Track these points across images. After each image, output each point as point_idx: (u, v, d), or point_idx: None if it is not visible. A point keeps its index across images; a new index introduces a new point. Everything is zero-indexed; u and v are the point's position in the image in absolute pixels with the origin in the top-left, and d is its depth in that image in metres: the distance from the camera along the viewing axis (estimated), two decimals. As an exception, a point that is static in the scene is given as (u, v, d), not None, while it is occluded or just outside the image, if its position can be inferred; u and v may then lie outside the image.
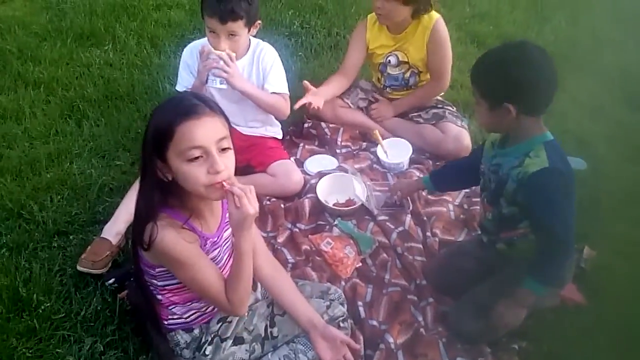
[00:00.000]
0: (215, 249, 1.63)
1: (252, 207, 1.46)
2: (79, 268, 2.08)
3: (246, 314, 1.72)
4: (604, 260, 2.22)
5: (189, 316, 1.69)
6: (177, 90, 2.52)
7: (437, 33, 2.67)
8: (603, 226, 2.37)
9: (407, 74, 2.81)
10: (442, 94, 2.93)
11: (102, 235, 2.18)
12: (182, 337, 1.70)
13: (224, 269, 1.67)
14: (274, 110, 2.57)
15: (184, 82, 2.49)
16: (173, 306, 1.67)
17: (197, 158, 1.42)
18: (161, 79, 3.21)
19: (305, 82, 2.67)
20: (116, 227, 2.19)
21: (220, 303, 1.58)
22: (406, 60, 2.77)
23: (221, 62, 2.30)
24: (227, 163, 1.46)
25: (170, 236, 1.47)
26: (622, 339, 1.94)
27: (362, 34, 2.81)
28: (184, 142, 1.40)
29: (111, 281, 2.04)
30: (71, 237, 2.26)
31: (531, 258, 1.75)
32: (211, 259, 1.60)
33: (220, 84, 2.37)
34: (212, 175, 1.43)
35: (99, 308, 1.97)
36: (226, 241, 1.68)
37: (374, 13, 2.72)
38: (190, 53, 2.49)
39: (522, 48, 1.67)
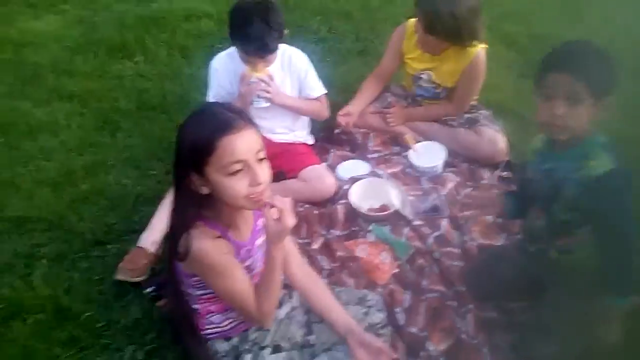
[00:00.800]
0: (250, 257, 1.63)
1: (291, 219, 1.47)
2: (117, 277, 2.10)
3: (281, 321, 1.71)
4: None
5: (226, 324, 1.69)
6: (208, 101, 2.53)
7: (475, 67, 2.61)
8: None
9: (438, 90, 2.77)
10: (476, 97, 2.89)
11: (138, 245, 2.20)
12: (221, 346, 1.70)
13: (257, 277, 1.66)
14: (314, 115, 2.69)
15: (216, 92, 2.51)
16: (210, 315, 1.67)
17: (238, 171, 1.43)
18: (192, 89, 3.24)
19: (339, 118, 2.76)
20: (152, 236, 2.21)
21: (249, 313, 1.58)
22: (438, 82, 2.73)
23: (263, 85, 2.38)
24: (265, 173, 1.47)
25: (206, 245, 1.48)
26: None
27: (399, 41, 2.77)
28: (225, 157, 1.41)
29: (149, 290, 2.05)
30: (109, 246, 2.29)
31: (605, 270, 1.67)
32: (245, 267, 1.60)
33: (265, 103, 2.45)
34: (253, 187, 1.44)
35: (138, 317, 1.99)
36: (259, 249, 1.67)
37: (412, 20, 2.67)
38: (222, 62, 2.51)
39: (590, 42, 1.62)
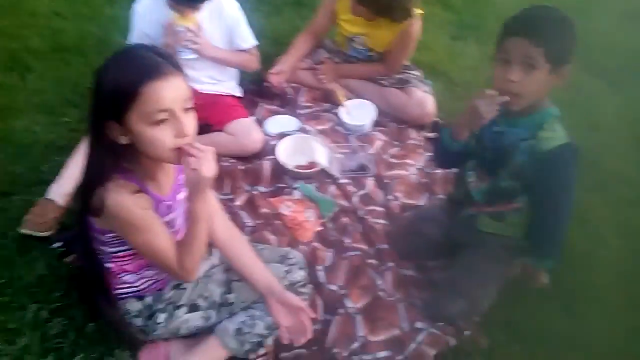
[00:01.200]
0: (170, 212, 1.55)
1: (209, 169, 1.38)
2: (21, 230, 1.96)
3: (199, 279, 1.66)
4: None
5: (141, 284, 1.61)
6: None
7: (409, 34, 2.57)
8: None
9: (372, 53, 2.73)
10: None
11: (47, 196, 2.05)
12: (133, 306, 1.62)
13: (179, 233, 1.59)
14: (244, 67, 2.59)
15: (137, 37, 2.35)
16: (124, 274, 1.58)
17: (162, 121, 1.32)
18: (113, 30, 3.02)
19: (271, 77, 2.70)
20: (63, 188, 2.06)
21: (171, 269, 1.51)
22: (371, 47, 2.68)
23: (190, 34, 2.25)
24: (192, 125, 1.38)
25: (123, 200, 1.37)
26: (579, 299, 1.99)
27: (333, 1, 2.68)
28: (150, 104, 1.29)
29: (57, 245, 1.94)
30: (14, 197, 2.12)
31: (532, 237, 1.73)
32: (166, 222, 1.52)
33: (192, 54, 2.32)
34: (178, 139, 1.34)
35: (43, 273, 1.87)
36: (181, 204, 1.59)
37: None
38: (145, 5, 2.34)
39: (556, 8, 1.56)
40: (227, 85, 2.60)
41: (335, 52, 2.88)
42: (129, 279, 1.59)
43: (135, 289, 1.61)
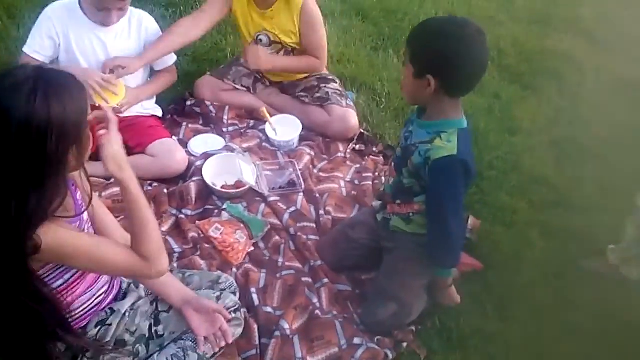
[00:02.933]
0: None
1: (113, 135, 1.33)
2: None
3: (126, 313, 1.57)
4: (487, 228, 2.31)
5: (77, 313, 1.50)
6: (24, 52, 2.25)
7: (307, 13, 2.53)
8: (484, 196, 2.47)
9: (281, 53, 2.67)
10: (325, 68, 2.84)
11: None
12: (56, 346, 1.51)
13: None
14: (166, 88, 2.58)
15: (38, 46, 2.25)
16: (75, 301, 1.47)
17: None
18: (21, 53, 2.86)
19: None
20: None
21: (135, 267, 1.38)
22: (278, 40, 2.62)
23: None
24: None
25: (59, 233, 1.27)
26: (509, 301, 2.04)
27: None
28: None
29: None
30: None
31: (427, 247, 1.79)
32: None
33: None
34: None
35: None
36: (87, 222, 1.48)
37: None
38: (57, 13, 2.24)
39: (464, 26, 1.58)
40: (146, 105, 2.52)
41: (248, 74, 2.80)
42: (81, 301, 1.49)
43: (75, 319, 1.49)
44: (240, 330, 1.71)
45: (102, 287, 1.54)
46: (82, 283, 1.46)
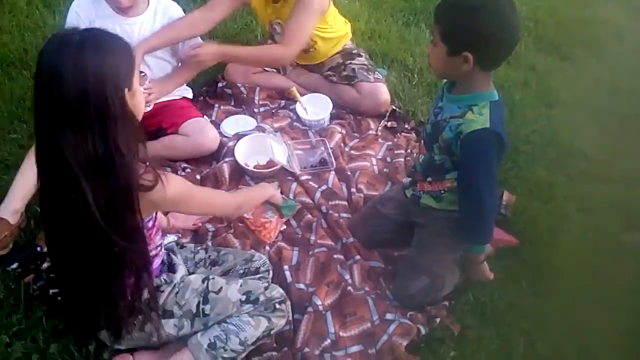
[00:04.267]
0: None
1: None
2: None
3: (177, 286, 1.61)
4: (523, 204, 2.27)
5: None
6: None
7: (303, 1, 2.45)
8: (520, 170, 2.42)
9: None
10: (351, 39, 2.81)
11: None
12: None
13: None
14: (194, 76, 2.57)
15: None
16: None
17: None
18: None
19: None
20: (13, 205, 1.98)
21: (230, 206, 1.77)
22: None
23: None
24: None
25: (176, 182, 1.44)
26: (545, 277, 2.01)
27: None
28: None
29: (14, 266, 1.87)
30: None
31: (460, 221, 1.76)
32: None
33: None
34: None
35: (1, 297, 1.80)
36: None
37: None
38: (83, 5, 2.27)
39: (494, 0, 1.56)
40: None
41: None
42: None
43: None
44: (283, 321, 1.68)
45: (155, 247, 1.57)
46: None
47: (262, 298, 1.63)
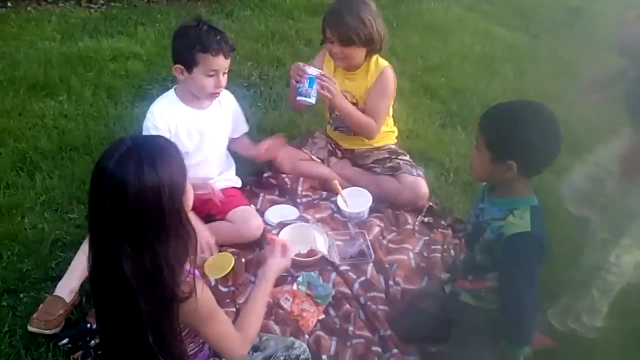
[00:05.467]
0: None
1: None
2: (30, 329, 1.98)
3: None
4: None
5: None
6: None
7: (382, 79, 2.73)
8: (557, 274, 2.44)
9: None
10: (395, 141, 2.99)
11: (55, 293, 2.09)
12: None
13: None
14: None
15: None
16: None
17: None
18: (118, 129, 3.18)
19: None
20: (70, 285, 2.11)
21: (234, 349, 1.57)
22: (355, 101, 2.80)
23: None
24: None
25: (206, 290, 1.45)
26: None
27: (320, 62, 2.84)
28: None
29: (65, 341, 1.96)
30: (21, 295, 2.16)
31: (501, 322, 1.78)
32: None
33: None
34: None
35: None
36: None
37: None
38: (162, 107, 2.44)
39: (539, 111, 1.67)
40: (228, 176, 2.71)
41: (327, 141, 3.02)
42: None
43: None
44: None
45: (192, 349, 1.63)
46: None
47: None
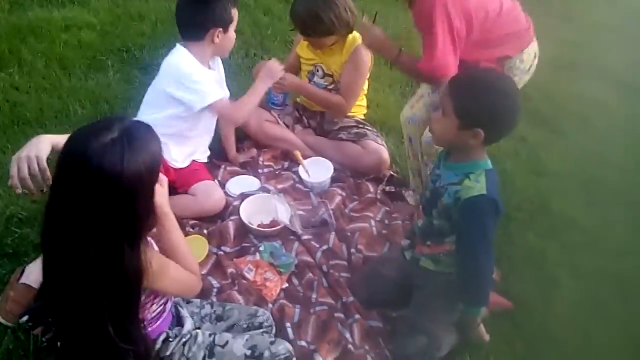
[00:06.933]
0: None
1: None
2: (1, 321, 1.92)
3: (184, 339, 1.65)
4: (515, 269, 2.35)
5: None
6: (217, 100, 2.43)
7: (354, 56, 2.75)
8: (512, 237, 2.52)
9: (330, 86, 2.90)
10: (363, 116, 3.03)
11: (25, 282, 1.97)
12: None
13: None
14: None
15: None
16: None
17: None
18: (72, 102, 3.08)
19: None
20: (36, 275, 1.97)
21: (195, 283, 1.60)
22: (330, 73, 2.85)
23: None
24: None
25: (153, 255, 1.43)
26: (539, 340, 2.08)
27: (296, 45, 2.94)
28: None
29: (24, 319, 1.90)
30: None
31: (458, 284, 1.83)
32: None
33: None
34: None
35: (10, 347, 1.84)
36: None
37: None
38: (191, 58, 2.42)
39: (505, 80, 1.72)
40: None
41: (300, 108, 3.06)
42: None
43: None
44: None
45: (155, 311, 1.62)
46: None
47: (266, 354, 1.67)
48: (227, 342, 1.67)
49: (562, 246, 2.53)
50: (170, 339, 1.63)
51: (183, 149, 2.56)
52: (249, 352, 1.66)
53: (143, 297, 1.46)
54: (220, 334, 1.71)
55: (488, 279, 1.82)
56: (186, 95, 2.37)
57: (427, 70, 2.25)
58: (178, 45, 2.44)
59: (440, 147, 1.90)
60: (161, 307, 1.62)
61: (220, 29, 2.38)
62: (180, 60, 2.40)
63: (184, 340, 1.65)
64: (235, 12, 2.42)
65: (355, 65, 2.77)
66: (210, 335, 1.69)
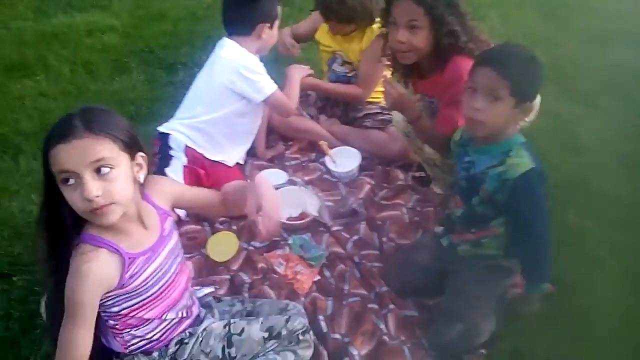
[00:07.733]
0: (149, 265, 1.50)
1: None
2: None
3: (199, 336, 1.66)
4: (555, 249, 2.27)
5: (152, 336, 1.59)
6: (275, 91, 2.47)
7: (375, 45, 2.65)
8: (551, 215, 2.43)
9: (350, 74, 2.86)
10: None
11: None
12: None
13: (173, 283, 1.58)
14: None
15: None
16: (129, 329, 1.55)
17: (67, 181, 1.32)
18: (99, 104, 3.11)
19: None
20: None
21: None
22: (350, 61, 2.82)
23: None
24: (107, 187, 1.34)
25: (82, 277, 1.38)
26: (583, 324, 2.01)
27: (318, 22, 2.87)
28: (55, 166, 1.33)
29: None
30: (14, 278, 2.14)
31: (523, 264, 1.79)
32: (149, 275, 1.49)
33: None
34: (87, 202, 1.32)
35: (50, 351, 1.87)
36: (170, 256, 1.57)
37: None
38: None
39: (531, 51, 1.69)
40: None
41: (323, 98, 3.02)
42: (138, 333, 1.57)
43: (146, 341, 1.59)
44: (310, 352, 1.75)
45: (178, 312, 1.63)
46: (149, 310, 1.55)
47: (284, 332, 1.68)
48: (243, 329, 1.68)
49: (602, 224, 2.43)
50: (186, 342, 1.64)
51: (242, 148, 2.64)
52: (266, 335, 1.67)
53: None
54: (234, 322, 1.70)
55: (549, 251, 1.75)
56: (248, 87, 2.40)
57: (450, 132, 2.07)
58: (227, 39, 2.44)
59: (483, 135, 1.73)
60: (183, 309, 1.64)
61: (268, 25, 2.41)
62: (237, 52, 2.40)
63: (200, 337, 1.66)
64: (278, 9, 2.46)
65: (374, 54, 2.65)
66: (225, 326, 1.69)
